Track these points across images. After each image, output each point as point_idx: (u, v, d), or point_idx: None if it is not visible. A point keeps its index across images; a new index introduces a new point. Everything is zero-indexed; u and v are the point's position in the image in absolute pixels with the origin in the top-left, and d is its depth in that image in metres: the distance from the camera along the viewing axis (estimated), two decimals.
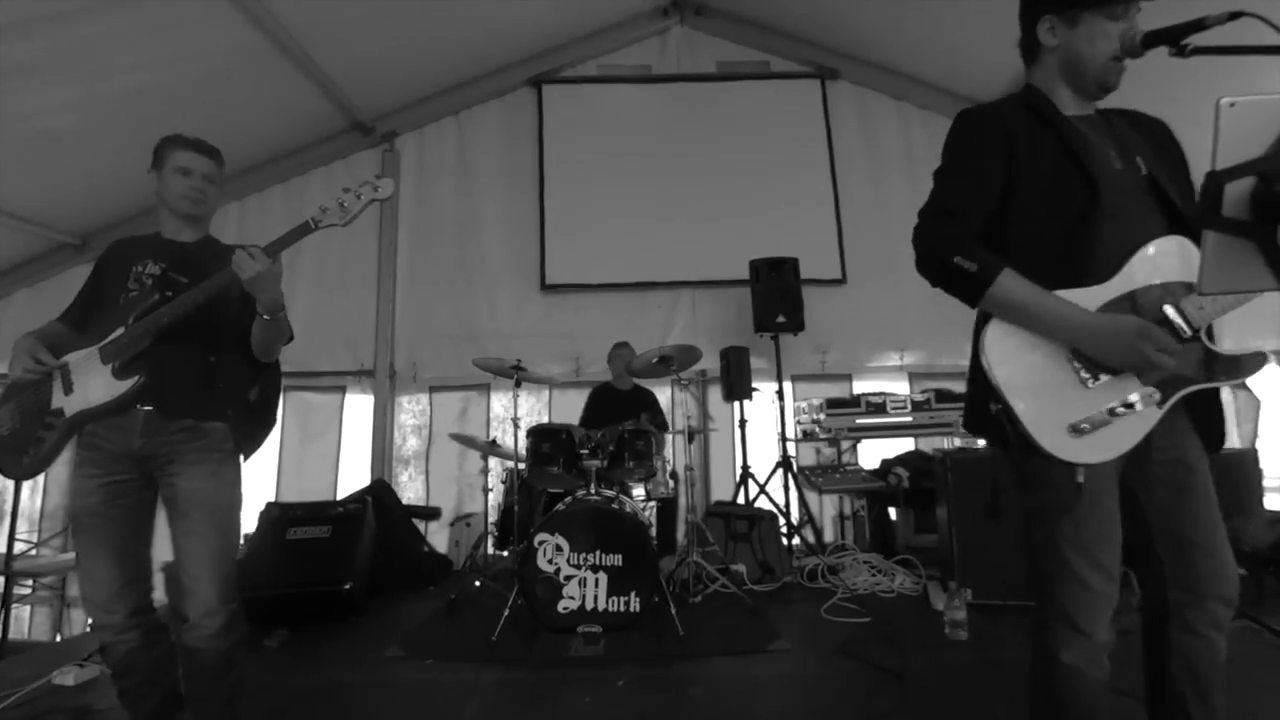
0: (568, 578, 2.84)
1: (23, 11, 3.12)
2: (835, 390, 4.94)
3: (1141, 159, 1.26)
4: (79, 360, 1.67)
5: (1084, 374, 1.17)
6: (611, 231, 5.14)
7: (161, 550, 1.70)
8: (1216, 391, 1.22)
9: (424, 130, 5.33)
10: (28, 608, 4.54)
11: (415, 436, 5.03)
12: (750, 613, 3.05)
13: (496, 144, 5.32)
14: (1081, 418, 1.15)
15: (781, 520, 3.96)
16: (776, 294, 4.49)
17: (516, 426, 3.46)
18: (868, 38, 5.16)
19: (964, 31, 4.46)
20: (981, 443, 3.42)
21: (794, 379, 4.98)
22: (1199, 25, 1.07)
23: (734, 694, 2.26)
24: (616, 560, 2.86)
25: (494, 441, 4.04)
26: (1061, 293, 1.17)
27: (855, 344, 5.11)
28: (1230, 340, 1.18)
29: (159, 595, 1.89)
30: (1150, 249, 1.19)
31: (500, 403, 5.02)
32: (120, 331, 1.64)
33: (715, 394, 4.79)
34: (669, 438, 3.94)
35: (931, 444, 4.44)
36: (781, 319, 4.45)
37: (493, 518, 3.96)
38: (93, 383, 1.64)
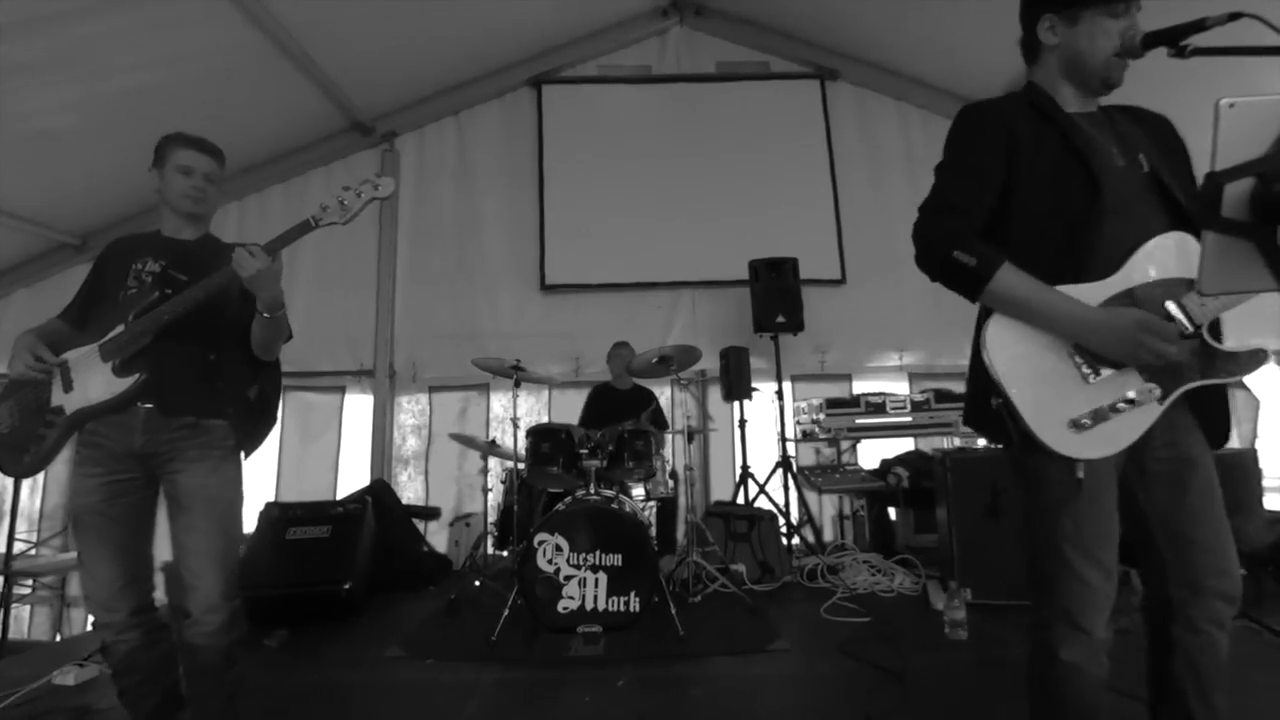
0: (567, 578, 2.84)
1: (23, 11, 3.12)
2: (835, 390, 4.94)
3: (1144, 155, 1.26)
4: (79, 358, 1.67)
5: (1085, 369, 1.17)
6: (611, 231, 5.15)
7: (161, 550, 1.71)
8: (1221, 388, 1.22)
9: (424, 130, 5.33)
10: (27, 607, 4.54)
11: (415, 436, 5.03)
12: (750, 612, 3.05)
13: (496, 144, 5.32)
14: (1082, 413, 1.15)
15: (781, 520, 3.97)
16: (776, 294, 4.49)
17: (516, 426, 3.46)
18: (868, 38, 5.16)
19: (964, 31, 4.46)
20: (981, 442, 3.43)
21: (794, 379, 4.99)
22: (1199, 26, 1.07)
23: (734, 694, 2.26)
24: (616, 560, 2.86)
25: (494, 441, 4.04)
26: (1063, 288, 1.17)
27: (855, 344, 5.11)
28: (1232, 337, 1.18)
29: (159, 595, 1.89)
30: (1152, 245, 1.19)
31: (500, 403, 5.02)
32: (120, 329, 1.64)
33: (715, 394, 4.79)
34: (669, 437, 3.94)
35: (931, 444, 4.44)
36: (781, 319, 4.46)
37: (492, 518, 3.96)
38: (93, 380, 1.64)
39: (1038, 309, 1.17)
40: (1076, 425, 1.15)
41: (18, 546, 4.31)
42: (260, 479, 4.66)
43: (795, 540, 4.02)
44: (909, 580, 3.45)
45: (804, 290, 4.57)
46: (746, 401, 4.35)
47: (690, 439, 3.65)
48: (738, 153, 5.28)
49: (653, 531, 3.49)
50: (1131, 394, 1.15)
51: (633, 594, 2.83)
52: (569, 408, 4.77)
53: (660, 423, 4.06)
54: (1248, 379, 1.21)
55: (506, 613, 2.77)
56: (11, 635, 4.02)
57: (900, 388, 4.97)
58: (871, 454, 4.56)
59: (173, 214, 1.80)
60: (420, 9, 4.27)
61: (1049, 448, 1.15)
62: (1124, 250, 1.19)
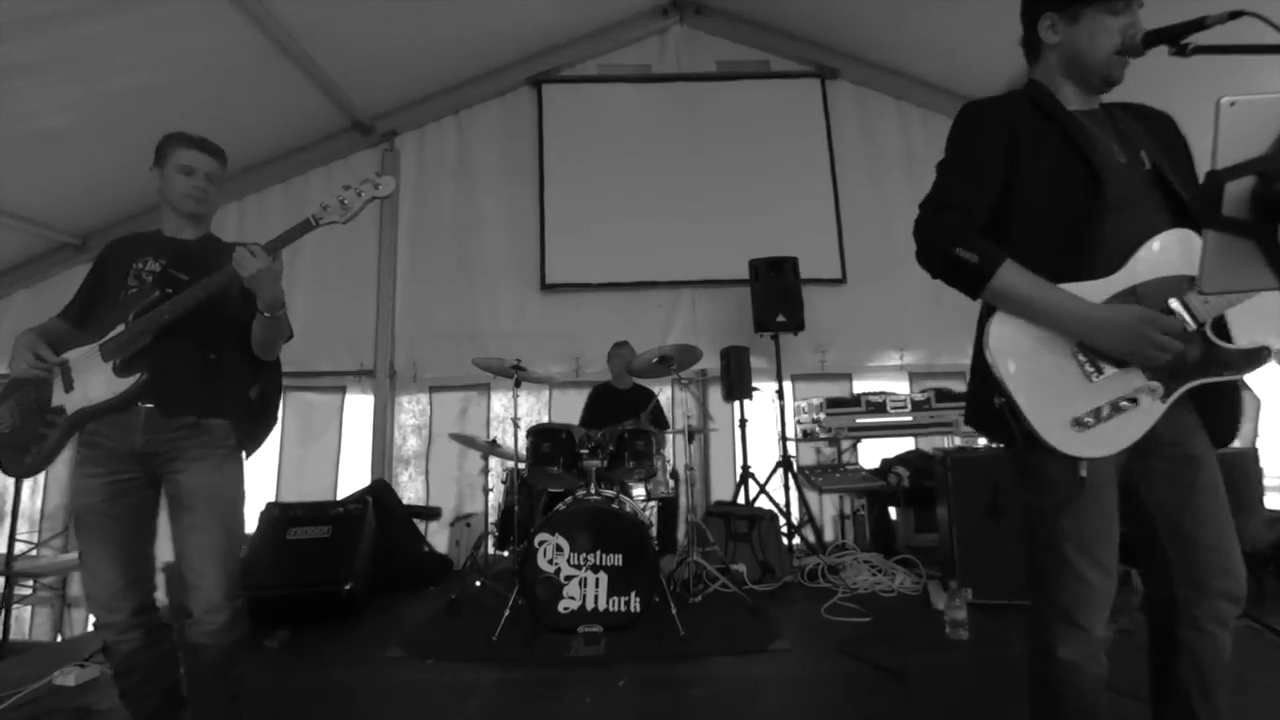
0: (568, 578, 2.84)
1: (23, 11, 3.12)
2: (835, 390, 4.94)
3: (1145, 152, 1.26)
4: (79, 357, 1.67)
5: (1088, 368, 1.16)
6: (611, 231, 5.14)
7: (163, 550, 1.71)
8: (1225, 386, 1.21)
9: (424, 130, 5.33)
10: (28, 608, 4.54)
11: (415, 436, 5.03)
12: (750, 613, 3.05)
13: (496, 144, 5.32)
14: (1085, 411, 1.15)
15: (782, 520, 3.97)
16: (776, 294, 4.49)
17: (516, 426, 3.46)
18: (868, 38, 5.16)
19: (964, 31, 4.46)
20: (982, 442, 3.42)
21: (794, 379, 4.99)
22: (1199, 24, 1.07)
23: (734, 694, 2.26)
24: (617, 560, 2.86)
25: (494, 441, 4.04)
26: (1066, 286, 1.16)
27: (855, 344, 5.11)
28: (1236, 334, 1.18)
29: (160, 595, 1.89)
30: (1155, 243, 1.19)
31: (500, 403, 5.02)
32: (121, 328, 1.64)
33: (715, 394, 4.79)
34: (669, 437, 3.94)
35: (931, 443, 4.44)
36: (781, 319, 4.46)
37: (493, 518, 3.96)
38: (93, 380, 1.64)
39: (1040, 306, 1.17)
40: (1079, 424, 1.14)
41: (19, 547, 4.31)
42: (261, 479, 4.66)
43: (796, 540, 4.02)
44: (910, 580, 3.45)
45: (804, 290, 4.57)
46: (747, 401, 4.35)
47: (691, 439, 3.66)
48: (738, 152, 5.28)
49: (653, 531, 3.49)
50: (1134, 392, 1.15)
51: (633, 594, 2.83)
52: (569, 408, 4.77)
53: (661, 422, 4.06)
54: (1248, 378, 1.21)
55: (507, 613, 2.77)
56: (12, 636, 4.02)
57: (900, 387, 4.96)
58: (872, 453, 4.56)
59: (173, 214, 1.79)
60: (420, 9, 4.27)
61: (1052, 447, 1.14)
62: (1126, 248, 1.18)
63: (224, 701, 1.66)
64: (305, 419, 4.97)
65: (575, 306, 5.10)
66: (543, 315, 5.11)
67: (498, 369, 3.50)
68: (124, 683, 1.65)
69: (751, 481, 4.20)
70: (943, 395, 4.32)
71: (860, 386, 4.95)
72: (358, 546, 3.41)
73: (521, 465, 3.41)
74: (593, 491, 3.07)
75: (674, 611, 2.74)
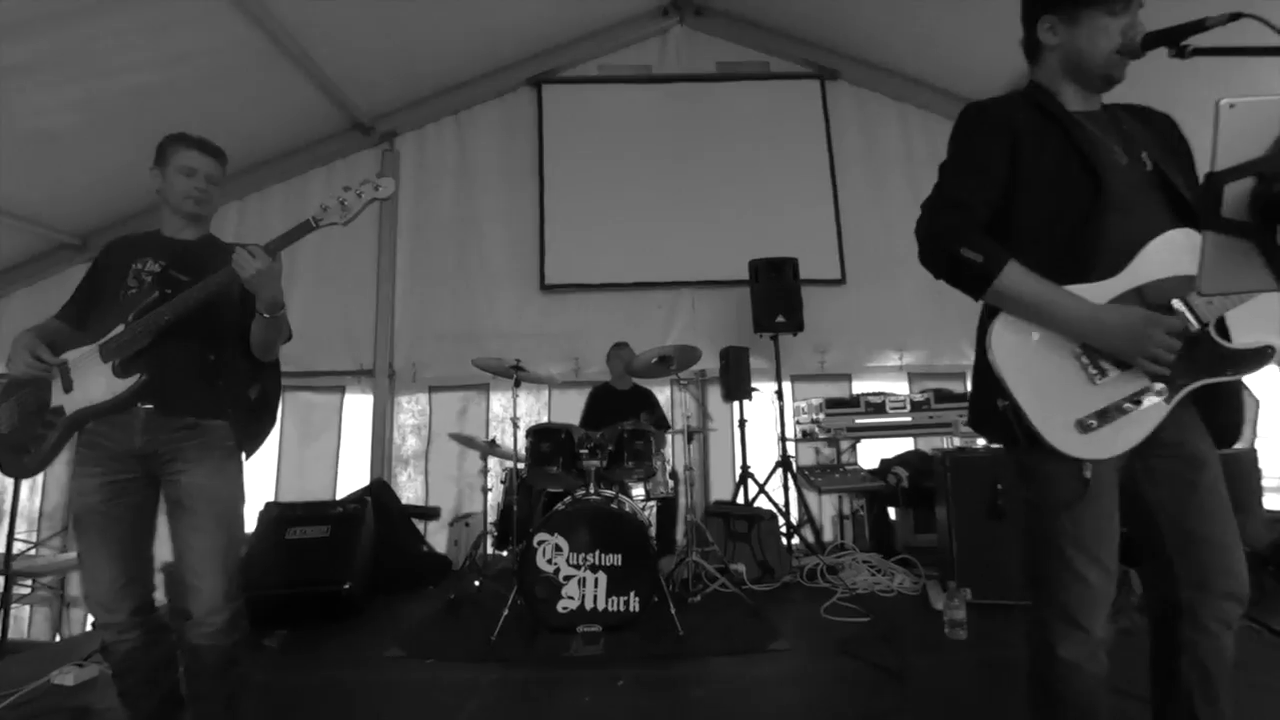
0: (567, 577, 2.84)
1: (23, 11, 3.12)
2: (835, 390, 4.94)
3: (1147, 153, 1.26)
4: (79, 358, 1.67)
5: (1091, 369, 1.16)
6: (611, 231, 5.15)
7: (161, 550, 1.70)
8: (1232, 387, 1.21)
9: (424, 130, 5.33)
10: (27, 607, 4.53)
11: (415, 436, 5.03)
12: (750, 613, 3.05)
13: (496, 144, 5.32)
14: (1089, 413, 1.15)
15: (781, 520, 3.96)
16: (776, 294, 4.49)
17: (516, 426, 3.46)
18: (868, 38, 5.16)
19: (964, 31, 4.46)
20: (981, 442, 3.43)
21: (793, 379, 4.99)
22: (1199, 26, 1.07)
23: (733, 694, 2.26)
24: (616, 560, 2.86)
25: (493, 441, 4.04)
26: (1069, 288, 1.16)
27: (855, 344, 5.11)
28: (1239, 334, 1.18)
29: (159, 595, 1.89)
30: (1157, 243, 1.18)
31: (500, 403, 5.02)
32: (120, 329, 1.64)
33: (715, 394, 4.78)
34: (669, 438, 3.95)
35: (931, 444, 4.44)
36: (781, 319, 4.45)
37: (492, 518, 3.95)
38: (93, 381, 1.64)
39: (1044, 308, 1.16)
40: (1083, 426, 1.14)
41: (17, 546, 4.30)
42: (260, 479, 4.66)
43: (795, 540, 4.02)
44: (909, 580, 3.45)
45: (804, 290, 4.56)
46: (746, 401, 4.35)
47: (690, 439, 3.65)
48: (738, 153, 5.28)
49: (652, 531, 3.49)
50: (1138, 393, 1.15)
51: (632, 594, 2.83)
52: (569, 408, 4.77)
53: (660, 423, 4.06)
54: (1248, 379, 1.21)
55: (506, 613, 2.78)
56: (11, 635, 4.01)
57: (900, 388, 4.97)
58: (871, 454, 4.56)
59: (173, 214, 1.79)
60: (420, 9, 4.27)
61: (1056, 450, 1.14)
62: (1128, 249, 1.18)
63: (223, 702, 1.65)
64: (305, 418, 4.97)
65: (575, 307, 5.10)
66: (542, 315, 5.11)
67: (497, 369, 3.50)
68: (123, 683, 1.65)
69: (751, 482, 4.19)
70: (942, 396, 4.32)
71: (859, 387, 4.95)
72: (357, 546, 3.41)
73: (521, 465, 3.41)
74: (592, 491, 3.07)
75: (673, 611, 2.74)
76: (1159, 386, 1.15)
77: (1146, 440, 1.16)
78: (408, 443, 5.02)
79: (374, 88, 4.85)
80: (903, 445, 4.48)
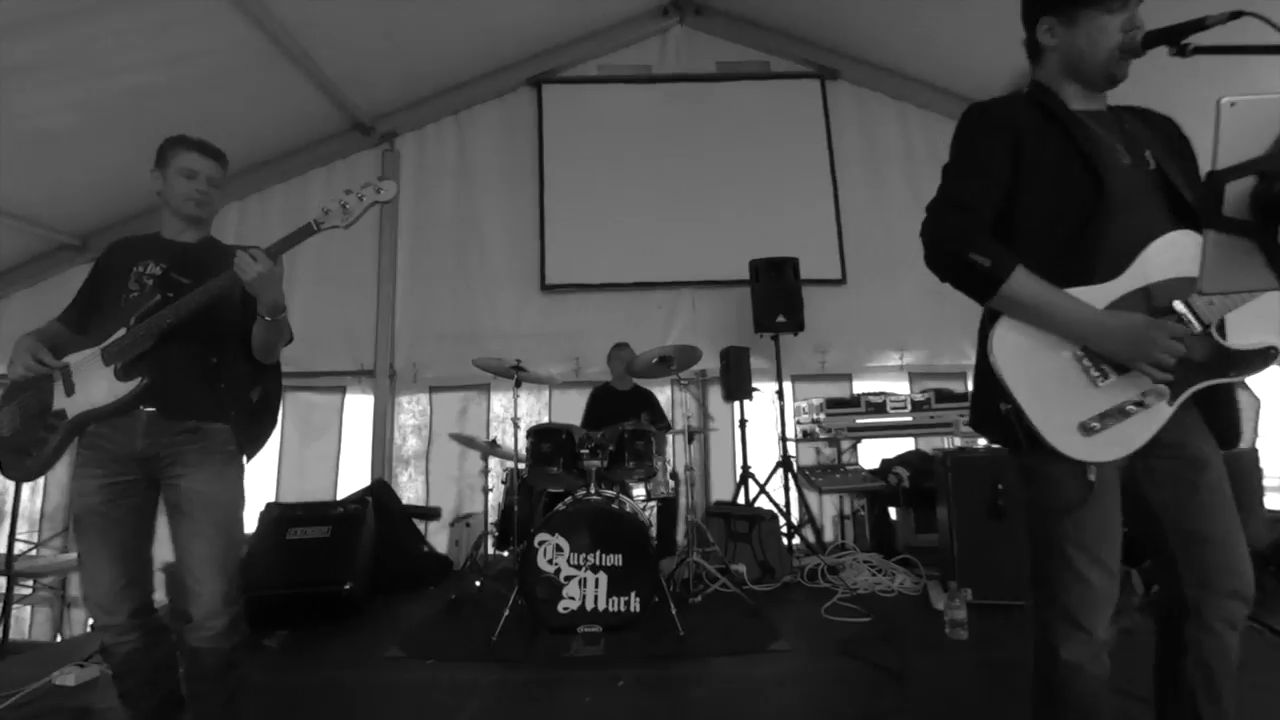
0: (568, 578, 2.84)
1: (23, 11, 3.12)
2: (835, 390, 4.94)
3: (1150, 153, 1.25)
4: (80, 361, 1.67)
5: (1094, 372, 1.16)
6: (611, 231, 5.15)
7: (161, 551, 1.70)
8: (1229, 389, 1.21)
9: (424, 130, 5.33)
10: (28, 608, 4.54)
11: (415, 436, 5.03)
12: (750, 613, 3.05)
13: (496, 144, 5.32)
14: (1092, 416, 1.14)
15: (781, 520, 3.96)
16: (776, 294, 4.49)
17: (516, 426, 3.46)
18: (868, 38, 5.16)
19: (964, 31, 4.46)
20: (982, 442, 3.42)
21: (794, 379, 4.99)
22: (1200, 25, 1.07)
23: (734, 694, 2.26)
24: (616, 560, 2.86)
25: (494, 441, 4.04)
26: (1073, 291, 1.16)
27: (855, 344, 5.11)
28: (1241, 335, 1.17)
29: (158, 596, 1.89)
30: (1159, 244, 1.18)
31: (500, 403, 5.02)
32: (122, 333, 1.64)
33: (715, 394, 4.79)
34: (669, 438, 3.95)
35: (931, 444, 4.44)
36: (781, 319, 4.45)
37: (493, 518, 3.96)
38: (95, 384, 1.64)
39: (1049, 312, 1.16)
40: (1086, 429, 1.14)
41: (19, 547, 4.31)
42: (261, 479, 4.66)
43: (796, 540, 4.02)
44: (910, 580, 3.45)
45: (804, 290, 4.56)
46: (747, 401, 4.35)
47: (690, 439, 3.65)
48: (738, 153, 5.28)
49: (653, 532, 3.49)
50: (1141, 396, 1.14)
51: (633, 594, 2.83)
52: (569, 408, 4.77)
53: (661, 423, 4.06)
54: (1249, 379, 1.21)
55: (507, 613, 2.78)
56: (12, 636, 4.01)
57: (900, 387, 4.96)
58: (872, 454, 4.56)
59: (174, 216, 1.79)
60: (420, 9, 4.27)
61: (1060, 453, 1.14)
62: (1131, 249, 1.18)
63: (223, 703, 1.65)
64: (305, 419, 4.97)
65: (575, 307, 5.10)
66: (543, 315, 5.11)
67: (498, 369, 3.51)
68: (123, 684, 1.65)
69: (751, 482, 4.19)
70: (943, 396, 4.32)
71: (860, 387, 4.95)
72: (357, 546, 3.42)
73: (521, 465, 3.41)
74: (593, 492, 3.07)
75: (674, 612, 2.74)
76: (1162, 389, 1.15)
77: (1149, 441, 1.16)
78: (408, 443, 5.02)
79: (374, 88, 4.85)
80: (903, 445, 4.48)
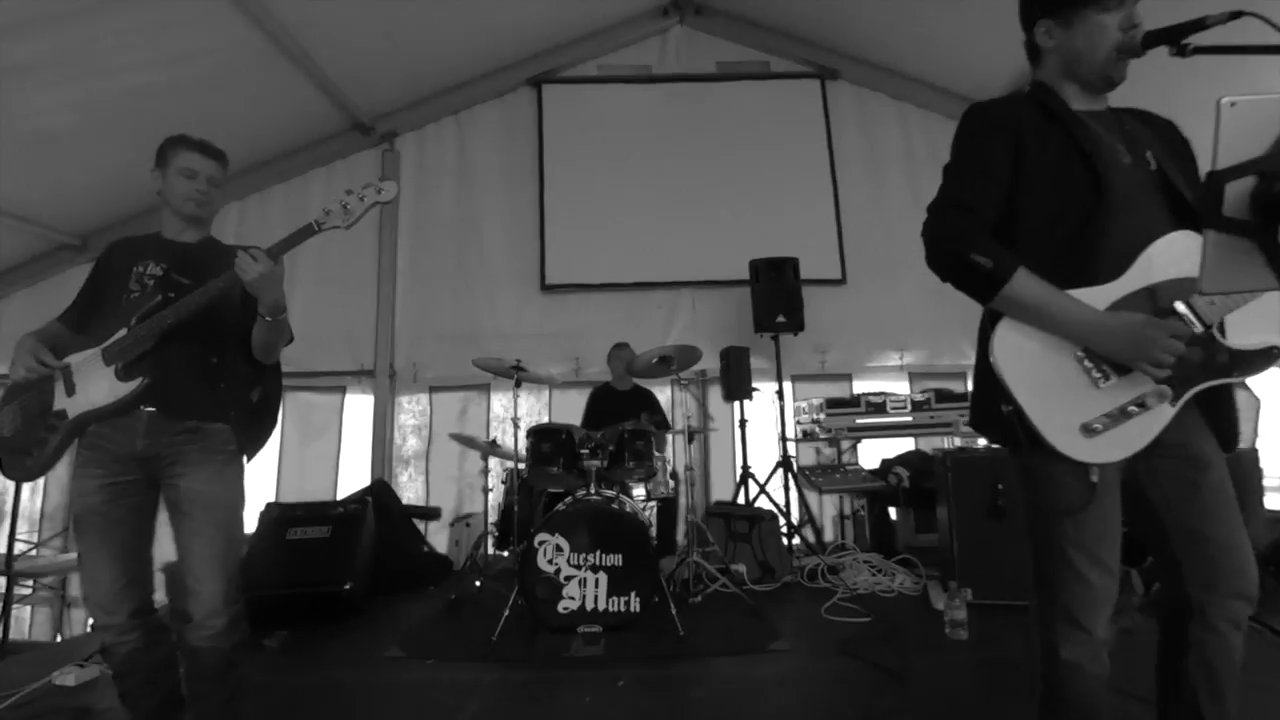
0: (568, 578, 2.84)
1: (23, 11, 3.12)
2: (835, 390, 4.94)
3: (1151, 154, 1.25)
4: (81, 361, 1.67)
5: (1095, 374, 1.16)
6: (611, 231, 5.15)
7: (161, 551, 1.70)
8: (1229, 390, 1.21)
9: (424, 130, 5.33)
10: (28, 608, 4.54)
11: (415, 436, 5.03)
12: (750, 613, 3.05)
13: (496, 144, 5.32)
14: (1094, 417, 1.14)
15: (782, 520, 3.96)
16: (776, 294, 4.49)
17: (516, 426, 3.46)
18: (868, 38, 5.16)
19: (964, 31, 4.46)
20: (982, 442, 3.42)
21: (794, 379, 4.99)
22: (1199, 25, 1.07)
23: (734, 694, 2.26)
24: (616, 560, 2.86)
25: (494, 441, 4.04)
26: (1075, 292, 1.16)
27: (855, 344, 5.11)
28: (1242, 335, 1.17)
29: (159, 596, 1.89)
30: (1160, 245, 1.18)
31: (500, 403, 5.02)
32: (123, 333, 1.64)
33: (715, 394, 4.79)
34: (669, 438, 3.94)
35: (931, 444, 4.44)
36: (781, 319, 4.45)
37: (493, 518, 3.96)
38: (95, 384, 1.64)
39: (1050, 313, 1.15)
40: (1088, 430, 1.14)
41: (19, 547, 4.31)
42: (261, 479, 4.66)
43: (796, 540, 4.02)
44: (910, 580, 3.45)
45: (804, 290, 4.56)
46: (747, 401, 4.35)
47: (690, 439, 3.66)
48: (738, 152, 5.28)
49: (653, 532, 3.49)
50: (1142, 397, 1.14)
51: (633, 594, 2.83)
52: (569, 408, 4.77)
53: (661, 423, 4.06)
54: (1249, 379, 1.21)
55: (507, 613, 2.78)
56: (12, 636, 4.01)
57: (900, 387, 4.97)
58: (872, 454, 4.56)
59: (174, 216, 1.79)
60: (420, 9, 4.27)
61: (1062, 454, 1.14)
62: (1132, 249, 1.18)
63: (222, 703, 1.65)
64: (305, 419, 4.97)
65: (575, 307, 5.10)
66: (543, 315, 5.11)
67: (498, 369, 3.51)
68: (123, 684, 1.65)
69: (751, 482, 4.19)
70: (943, 396, 4.32)
71: (860, 387, 4.95)
72: (357, 546, 3.41)
73: (521, 465, 3.41)
74: (593, 492, 3.07)
75: (674, 612, 2.74)
76: (1164, 390, 1.15)
77: (1150, 442, 1.16)
78: (408, 443, 5.02)
79: (374, 88, 4.85)
80: (903, 445, 4.48)
